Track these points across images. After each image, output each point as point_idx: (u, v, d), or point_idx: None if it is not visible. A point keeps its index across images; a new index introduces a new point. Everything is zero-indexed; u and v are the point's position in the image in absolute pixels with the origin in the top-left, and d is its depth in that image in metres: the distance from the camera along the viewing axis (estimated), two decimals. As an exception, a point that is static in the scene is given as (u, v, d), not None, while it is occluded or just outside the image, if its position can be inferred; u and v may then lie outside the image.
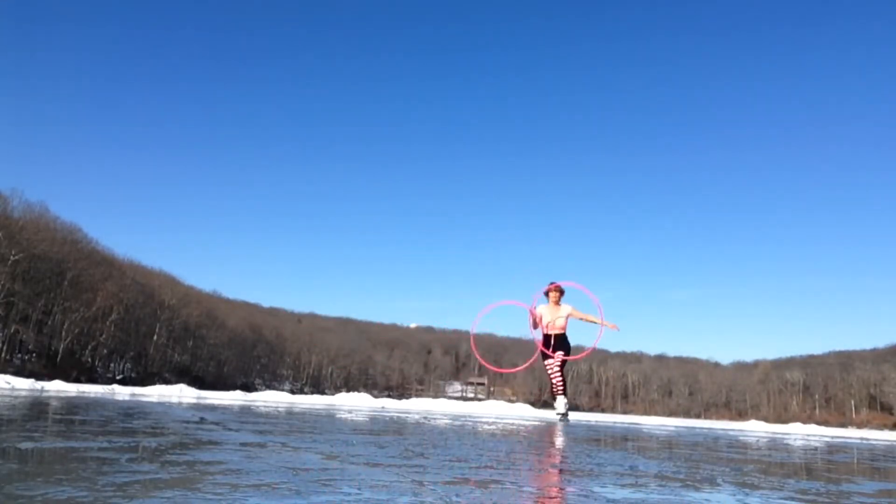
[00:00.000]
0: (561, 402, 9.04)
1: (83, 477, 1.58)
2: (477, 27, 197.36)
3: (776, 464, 3.72)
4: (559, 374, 8.75)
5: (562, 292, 8.95)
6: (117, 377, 60.57)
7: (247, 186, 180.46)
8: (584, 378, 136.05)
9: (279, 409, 10.10)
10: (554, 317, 8.84)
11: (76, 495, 1.34)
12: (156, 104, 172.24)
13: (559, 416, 9.10)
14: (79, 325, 59.87)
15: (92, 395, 13.05)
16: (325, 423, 5.55)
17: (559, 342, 8.82)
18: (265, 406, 11.44)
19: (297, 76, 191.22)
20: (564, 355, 8.81)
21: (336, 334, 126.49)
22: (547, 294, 8.98)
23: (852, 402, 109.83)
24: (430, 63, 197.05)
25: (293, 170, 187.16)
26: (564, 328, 8.88)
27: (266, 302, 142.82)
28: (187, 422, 4.70)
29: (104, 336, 64.13)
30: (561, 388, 8.90)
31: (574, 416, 24.28)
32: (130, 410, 6.17)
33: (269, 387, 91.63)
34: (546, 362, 8.93)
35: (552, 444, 4.22)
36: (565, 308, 8.89)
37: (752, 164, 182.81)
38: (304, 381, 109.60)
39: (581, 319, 8.88)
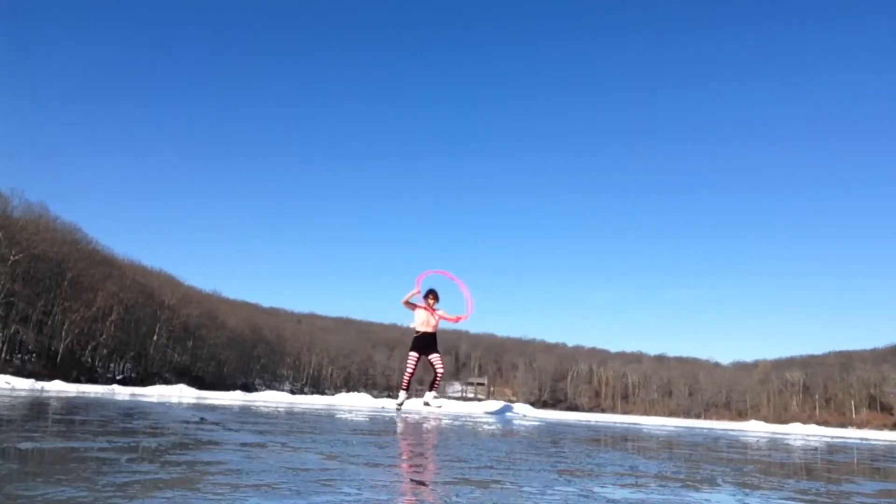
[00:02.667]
0: (402, 395, 10.62)
1: (83, 477, 1.58)
2: (477, 28, 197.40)
3: (776, 464, 3.72)
4: (413, 369, 10.13)
5: (438, 299, 10.20)
6: (117, 377, 60.55)
7: (247, 186, 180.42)
8: (584, 378, 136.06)
9: (279, 409, 10.09)
10: (429, 318, 10.03)
11: (76, 495, 1.34)
12: (156, 104, 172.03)
13: (397, 408, 10.73)
14: (79, 325, 59.85)
15: (92, 396, 13.03)
16: (325, 423, 5.54)
17: (432, 340, 10.01)
18: (265, 406, 11.43)
19: (297, 76, 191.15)
20: (427, 352, 9.97)
21: (336, 334, 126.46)
22: (426, 297, 10.05)
23: (852, 403, 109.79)
24: (430, 63, 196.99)
25: (293, 170, 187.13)
26: (437, 328, 10.17)
27: (266, 302, 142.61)
28: (187, 422, 4.69)
29: (104, 336, 64.13)
30: (407, 382, 10.38)
31: (574, 416, 24.15)
32: (130, 410, 6.16)
33: (269, 387, 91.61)
34: (411, 354, 10.13)
35: (552, 443, 4.21)
36: (439, 312, 10.13)
37: (752, 164, 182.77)
38: (304, 381, 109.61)
39: (447, 320, 10.19)
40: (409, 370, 10.15)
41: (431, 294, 10.07)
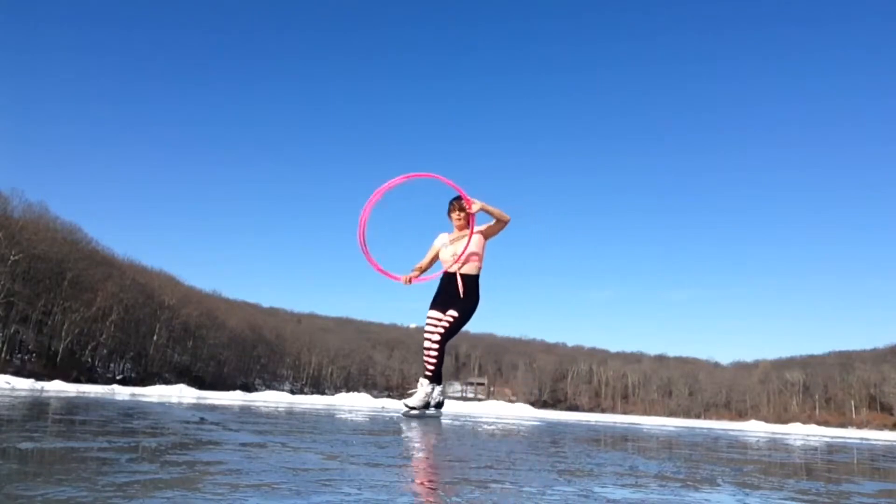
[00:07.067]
0: (433, 390, 5.72)
1: (83, 477, 1.58)
2: (477, 28, 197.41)
3: (776, 464, 3.72)
4: (438, 344, 5.45)
5: (464, 210, 5.52)
6: (117, 377, 60.58)
7: (247, 186, 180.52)
8: (583, 378, 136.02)
9: (279, 409, 10.09)
10: (457, 247, 5.51)
11: (76, 495, 1.34)
12: (156, 104, 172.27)
13: (414, 410, 5.75)
14: (79, 325, 59.86)
15: (92, 395, 13.04)
16: (325, 423, 5.54)
17: (468, 287, 5.43)
18: (265, 406, 11.43)
19: (297, 76, 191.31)
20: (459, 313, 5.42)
21: (336, 334, 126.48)
22: (450, 216, 5.77)
23: (852, 403, 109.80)
24: (430, 63, 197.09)
25: (293, 170, 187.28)
26: (472, 262, 5.44)
27: (266, 302, 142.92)
28: (187, 422, 4.69)
29: (104, 336, 64.12)
30: (432, 366, 5.57)
31: (574, 417, 24.13)
32: (130, 410, 6.16)
33: (269, 387, 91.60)
34: (428, 320, 5.56)
35: (552, 443, 4.22)
36: (478, 229, 5.50)
37: (752, 164, 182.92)
38: (304, 381, 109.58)
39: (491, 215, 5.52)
40: (433, 347, 5.56)
41: (457, 208, 5.63)
